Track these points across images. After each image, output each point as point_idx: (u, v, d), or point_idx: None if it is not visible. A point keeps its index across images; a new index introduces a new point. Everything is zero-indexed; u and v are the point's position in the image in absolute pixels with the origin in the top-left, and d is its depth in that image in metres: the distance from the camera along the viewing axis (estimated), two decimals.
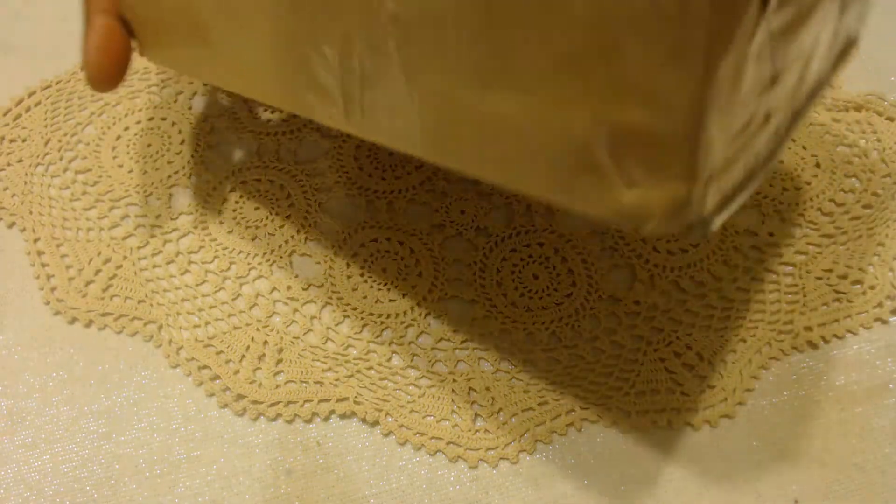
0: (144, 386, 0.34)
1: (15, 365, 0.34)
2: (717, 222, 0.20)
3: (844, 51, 0.25)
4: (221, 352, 0.34)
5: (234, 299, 0.35)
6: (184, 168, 0.38)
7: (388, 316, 0.35)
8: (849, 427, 0.32)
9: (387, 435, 0.33)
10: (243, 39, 0.25)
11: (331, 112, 0.25)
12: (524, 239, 0.36)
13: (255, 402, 0.33)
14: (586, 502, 0.32)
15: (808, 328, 0.34)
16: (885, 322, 0.34)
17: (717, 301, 0.35)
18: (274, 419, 0.33)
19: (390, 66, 0.21)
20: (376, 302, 0.35)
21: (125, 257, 0.35)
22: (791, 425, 0.33)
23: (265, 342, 0.34)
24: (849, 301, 0.35)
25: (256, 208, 0.37)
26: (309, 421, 0.33)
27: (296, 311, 0.35)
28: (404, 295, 0.35)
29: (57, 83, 0.40)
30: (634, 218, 0.19)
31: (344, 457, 0.32)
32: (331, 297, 0.35)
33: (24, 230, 0.37)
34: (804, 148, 0.38)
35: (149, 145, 0.38)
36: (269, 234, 0.36)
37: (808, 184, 0.37)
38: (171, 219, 0.37)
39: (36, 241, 0.36)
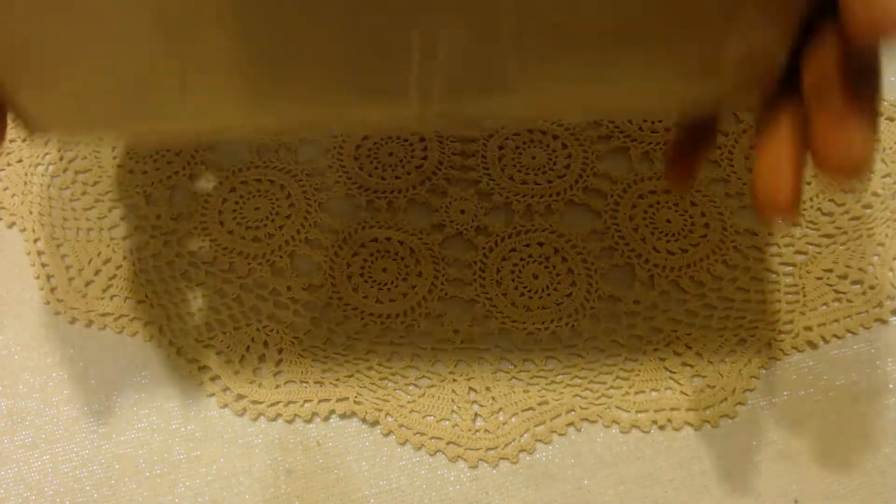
0: (144, 386, 0.34)
1: (15, 365, 0.34)
2: None
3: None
4: (221, 352, 0.34)
5: (234, 299, 0.35)
6: (184, 168, 0.38)
7: (388, 316, 0.35)
8: (849, 427, 0.32)
9: (387, 435, 0.33)
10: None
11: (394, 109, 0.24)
12: (524, 239, 0.36)
13: (255, 402, 0.33)
14: (586, 502, 0.32)
15: (808, 328, 0.34)
16: (885, 322, 0.34)
17: (717, 301, 0.35)
18: (274, 419, 0.33)
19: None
20: (376, 302, 0.35)
21: (125, 257, 0.36)
22: (791, 425, 0.33)
23: (265, 342, 0.34)
24: (849, 301, 0.35)
25: (256, 208, 0.37)
26: (309, 421, 0.33)
27: (296, 311, 0.35)
28: (404, 295, 0.35)
29: None
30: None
31: (344, 457, 0.32)
32: (331, 297, 0.35)
33: (24, 230, 0.37)
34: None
35: None
36: (268, 234, 0.36)
37: (808, 184, 0.37)
38: (171, 219, 0.37)
39: (36, 241, 0.36)
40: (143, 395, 0.33)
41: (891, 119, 0.39)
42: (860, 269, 0.35)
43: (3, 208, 0.37)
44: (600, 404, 0.33)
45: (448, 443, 0.33)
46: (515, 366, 0.34)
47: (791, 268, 0.35)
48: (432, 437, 0.33)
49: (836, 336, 0.34)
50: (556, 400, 0.33)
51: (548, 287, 0.35)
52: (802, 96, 0.21)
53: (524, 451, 0.32)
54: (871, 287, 0.35)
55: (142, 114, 0.25)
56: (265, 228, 0.36)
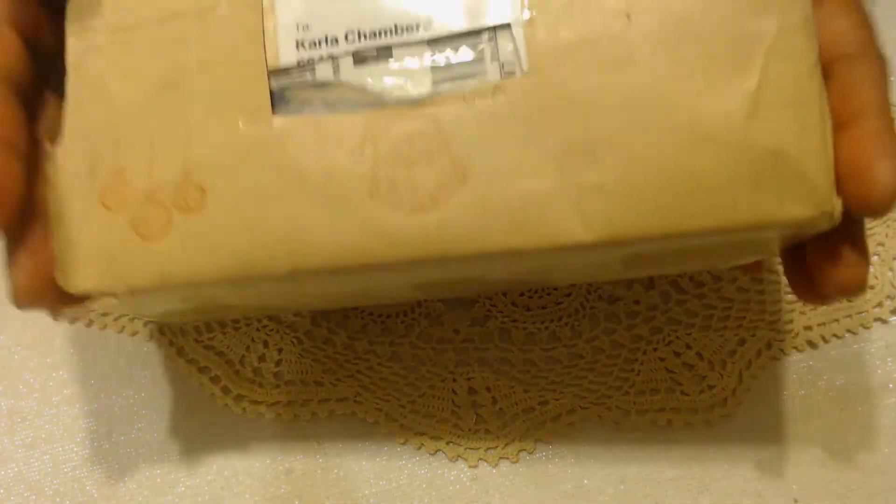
0: (144, 386, 0.34)
1: (15, 365, 0.34)
2: None
3: None
4: (221, 352, 0.34)
5: None
6: None
7: (389, 316, 0.35)
8: (849, 427, 0.32)
9: (387, 435, 0.33)
10: None
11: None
12: None
13: (254, 402, 0.33)
14: (586, 502, 0.32)
15: (808, 328, 0.34)
16: (885, 322, 0.34)
17: (717, 301, 0.34)
18: (274, 419, 0.33)
19: None
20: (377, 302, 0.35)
21: None
22: (791, 425, 0.33)
23: (265, 342, 0.34)
24: (849, 301, 0.35)
25: None
26: (309, 421, 0.33)
27: (296, 311, 0.35)
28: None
29: None
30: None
31: (344, 457, 0.32)
32: None
33: None
34: None
35: None
36: None
37: None
38: None
39: None
40: (143, 395, 0.33)
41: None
42: None
43: None
44: (600, 404, 0.33)
45: (448, 443, 0.33)
46: (515, 366, 0.34)
47: None
48: (432, 438, 0.33)
49: (836, 336, 0.34)
50: (556, 400, 0.33)
51: (548, 287, 0.35)
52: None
53: (524, 450, 0.32)
54: (871, 287, 0.35)
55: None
56: None
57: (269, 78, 0.24)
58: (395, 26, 0.23)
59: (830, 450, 0.32)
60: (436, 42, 0.23)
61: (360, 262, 0.23)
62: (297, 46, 0.24)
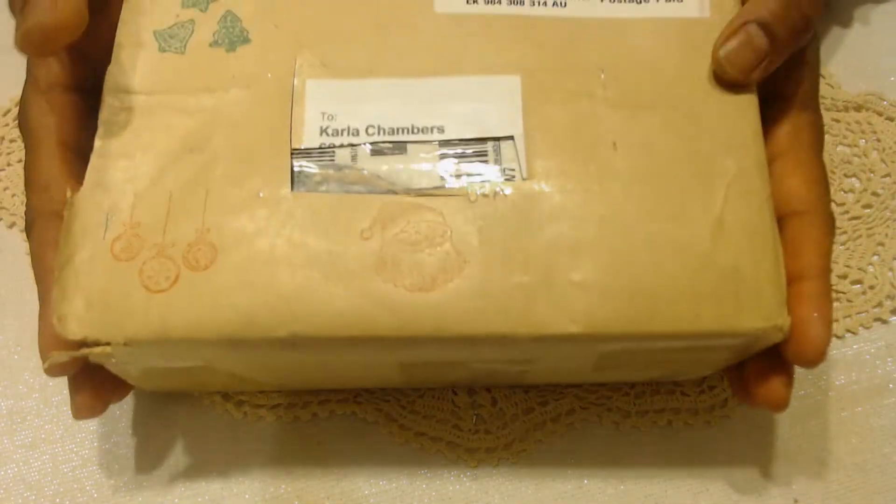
0: None
1: (15, 365, 0.33)
2: None
3: None
4: None
5: None
6: None
7: None
8: (849, 427, 0.32)
9: (387, 435, 0.33)
10: None
11: None
12: None
13: (255, 406, 0.33)
14: (586, 502, 0.31)
15: None
16: (885, 322, 0.34)
17: None
18: (274, 420, 0.33)
19: None
20: None
21: None
22: (791, 425, 0.32)
23: None
24: (849, 301, 0.34)
25: None
26: (309, 421, 0.33)
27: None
28: None
29: None
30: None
31: (344, 457, 0.32)
32: None
33: (24, 230, 0.37)
34: None
35: None
36: None
37: None
38: None
39: None
40: (143, 395, 0.33)
41: (890, 119, 0.38)
42: (860, 269, 0.35)
43: (4, 208, 0.37)
44: (600, 405, 0.33)
45: (448, 443, 0.33)
46: None
47: None
48: (432, 437, 0.33)
49: (836, 336, 0.34)
50: (556, 400, 0.33)
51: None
52: None
53: (524, 451, 0.32)
54: (871, 287, 0.35)
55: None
56: None
57: (291, 155, 0.26)
58: (413, 126, 0.26)
59: (830, 450, 0.32)
60: (447, 143, 0.26)
61: (360, 333, 0.24)
62: (321, 132, 0.26)
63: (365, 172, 0.25)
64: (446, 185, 0.25)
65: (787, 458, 0.32)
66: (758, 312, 0.24)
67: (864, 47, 0.42)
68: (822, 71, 0.39)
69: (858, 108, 0.39)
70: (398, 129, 0.26)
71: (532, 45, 0.27)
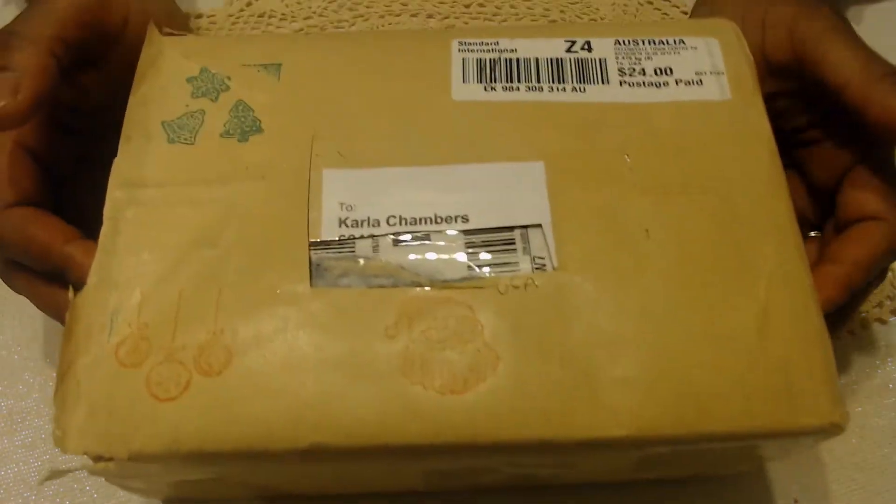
0: None
1: (15, 365, 0.32)
2: None
3: None
4: None
5: None
6: None
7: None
8: (849, 427, 0.32)
9: None
10: None
11: None
12: None
13: None
14: (586, 502, 0.31)
15: None
16: (884, 322, 0.34)
17: None
18: None
19: None
20: None
21: None
22: None
23: None
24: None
25: None
26: None
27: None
28: None
29: None
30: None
31: None
32: None
33: None
34: None
35: None
36: None
37: None
38: None
39: None
40: None
41: None
42: None
43: None
44: None
45: None
46: None
47: None
48: None
49: (836, 336, 0.34)
50: None
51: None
52: None
53: None
54: None
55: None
56: None
57: (309, 248, 0.24)
58: (435, 216, 0.24)
59: (830, 450, 0.31)
60: (472, 232, 0.24)
61: (388, 441, 0.22)
62: (340, 223, 0.24)
63: (388, 264, 0.23)
64: (474, 276, 0.23)
65: (788, 458, 0.31)
66: (814, 409, 0.22)
67: None
68: None
69: None
70: (420, 219, 0.24)
71: (553, 130, 0.25)
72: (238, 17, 0.41)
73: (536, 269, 0.23)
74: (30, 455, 0.31)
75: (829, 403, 0.22)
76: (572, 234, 0.24)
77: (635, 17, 0.41)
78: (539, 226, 0.24)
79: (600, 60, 0.27)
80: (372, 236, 0.24)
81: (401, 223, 0.24)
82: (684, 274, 0.23)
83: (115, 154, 0.25)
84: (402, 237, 0.24)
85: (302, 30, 0.41)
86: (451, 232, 0.24)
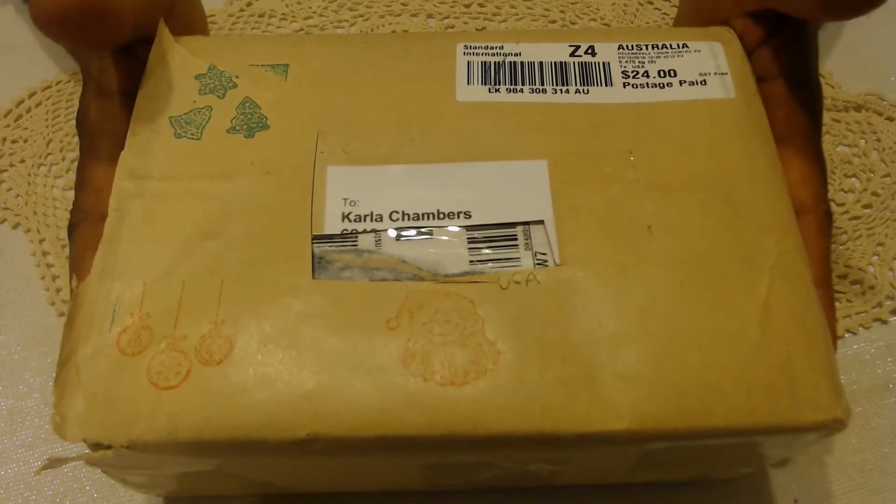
0: None
1: (15, 365, 0.32)
2: None
3: None
4: None
5: None
6: None
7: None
8: (849, 427, 0.32)
9: None
10: None
11: None
12: None
13: None
14: (586, 502, 0.31)
15: None
16: (884, 322, 0.34)
17: None
18: None
19: None
20: None
21: None
22: None
23: None
24: (848, 301, 0.34)
25: None
26: None
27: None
28: None
29: (57, 83, 0.38)
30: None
31: None
32: None
33: (28, 231, 0.35)
34: None
35: None
36: None
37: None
38: None
39: (41, 241, 0.35)
40: None
41: (890, 119, 0.38)
42: (860, 269, 0.34)
43: (7, 209, 0.35)
44: None
45: None
46: None
47: None
48: None
49: (836, 336, 0.34)
50: None
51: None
52: None
53: None
54: (871, 287, 0.34)
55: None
56: None
57: (312, 241, 0.24)
58: (438, 211, 0.24)
59: (830, 450, 0.31)
60: (475, 228, 0.24)
61: (388, 432, 0.21)
62: (343, 218, 0.24)
63: (390, 258, 0.24)
64: (475, 271, 0.23)
65: (787, 458, 0.31)
66: (816, 404, 0.22)
67: (864, 47, 0.41)
68: (822, 71, 0.39)
69: (858, 108, 0.39)
70: (423, 215, 0.24)
71: (557, 131, 0.26)
72: (238, 17, 0.41)
73: (538, 264, 0.24)
74: (30, 455, 0.31)
75: (831, 398, 0.22)
76: (574, 231, 0.24)
77: (635, 17, 0.41)
78: (541, 222, 0.24)
79: (604, 64, 0.28)
80: (374, 231, 0.24)
81: (403, 218, 0.24)
82: (686, 270, 0.23)
83: None
84: (404, 232, 0.24)
85: (302, 30, 0.41)
86: (454, 228, 0.24)
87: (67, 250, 0.34)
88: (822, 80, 0.31)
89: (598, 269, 0.23)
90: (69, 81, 0.39)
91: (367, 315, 0.23)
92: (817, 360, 0.22)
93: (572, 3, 0.41)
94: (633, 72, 0.27)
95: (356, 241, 0.24)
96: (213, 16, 0.41)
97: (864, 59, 0.40)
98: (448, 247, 0.24)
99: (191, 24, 0.31)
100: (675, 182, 0.25)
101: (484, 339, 0.23)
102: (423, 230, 0.24)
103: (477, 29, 0.41)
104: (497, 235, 0.24)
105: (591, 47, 0.28)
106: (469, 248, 0.24)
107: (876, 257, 0.34)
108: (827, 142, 0.37)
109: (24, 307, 0.34)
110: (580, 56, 0.28)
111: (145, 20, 0.26)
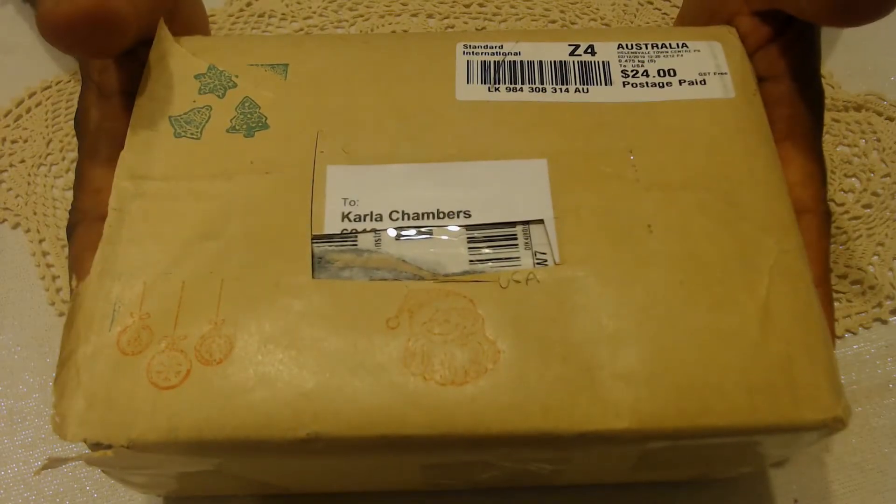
0: None
1: (15, 365, 0.32)
2: None
3: None
4: None
5: None
6: None
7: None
8: (849, 427, 0.32)
9: None
10: None
11: None
12: None
13: None
14: (587, 503, 0.31)
15: None
16: (884, 322, 0.34)
17: None
18: None
19: None
20: None
21: None
22: None
23: None
24: (848, 301, 0.34)
25: None
26: None
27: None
28: None
29: (57, 83, 0.38)
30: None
31: None
32: None
33: (28, 231, 0.35)
34: None
35: None
36: None
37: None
38: None
39: (41, 241, 0.35)
40: None
41: (890, 119, 0.38)
42: (860, 269, 0.34)
43: (7, 209, 0.35)
44: None
45: None
46: None
47: None
48: None
49: (836, 336, 0.34)
50: None
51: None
52: None
53: None
54: (871, 287, 0.34)
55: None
56: None
57: (311, 241, 0.24)
58: (438, 211, 0.24)
59: (830, 450, 0.31)
60: (474, 227, 0.24)
61: (388, 432, 0.21)
62: (343, 218, 0.24)
63: (390, 257, 0.24)
64: (475, 271, 0.23)
65: (787, 458, 0.31)
66: (816, 403, 0.22)
67: (864, 47, 0.41)
68: (823, 71, 0.39)
69: (858, 108, 0.39)
70: (423, 214, 0.24)
71: (557, 130, 0.26)
72: (238, 17, 0.41)
73: (538, 264, 0.24)
74: (30, 455, 0.31)
75: (831, 398, 0.22)
76: (574, 230, 0.24)
77: (635, 16, 0.41)
78: (541, 221, 0.24)
79: (604, 63, 0.28)
80: (374, 230, 0.24)
81: (403, 218, 0.24)
82: (686, 269, 0.23)
83: None
84: (404, 231, 0.24)
85: (302, 30, 0.41)
86: (453, 227, 0.24)
87: (67, 250, 0.34)
88: (822, 79, 0.31)
89: (597, 269, 0.23)
90: (69, 81, 0.39)
91: (367, 315, 0.23)
92: (817, 360, 0.22)
93: (572, 3, 0.41)
94: (632, 71, 0.27)
95: (356, 240, 0.24)
96: (213, 16, 0.41)
97: (864, 59, 0.40)
98: (448, 246, 0.24)
99: (192, 24, 0.31)
100: (675, 181, 0.25)
101: (484, 339, 0.23)
102: (422, 230, 0.24)
103: (477, 29, 0.41)
104: (497, 235, 0.24)
105: (591, 47, 0.28)
106: (469, 248, 0.24)
107: (876, 257, 0.34)
108: (827, 142, 0.37)
109: (24, 307, 0.34)
110: (580, 55, 0.28)
111: (148, 23, 0.26)
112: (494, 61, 0.27)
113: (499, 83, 0.27)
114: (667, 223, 0.24)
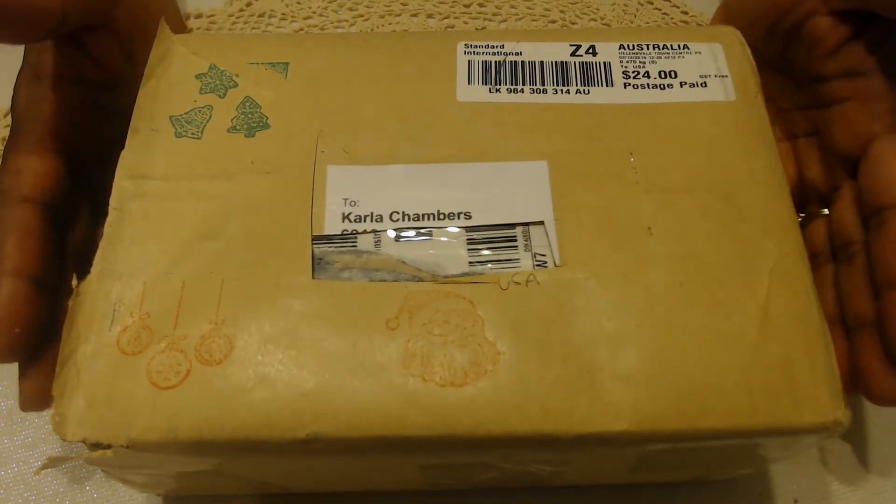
0: None
1: (15, 365, 0.32)
2: None
3: None
4: None
5: None
6: None
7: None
8: (849, 427, 0.32)
9: None
10: None
11: None
12: None
13: None
14: (586, 502, 0.31)
15: None
16: None
17: None
18: None
19: None
20: None
21: None
22: None
23: None
24: None
25: None
26: None
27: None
28: None
29: None
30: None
31: None
32: None
33: None
34: None
35: None
36: None
37: None
38: None
39: None
40: None
41: None
42: None
43: None
44: None
45: None
46: None
47: None
48: None
49: None
50: None
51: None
52: None
53: None
54: None
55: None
56: None
57: (311, 242, 0.24)
58: (438, 212, 0.24)
59: (830, 450, 0.31)
60: (474, 229, 0.24)
61: (387, 433, 0.21)
62: (343, 218, 0.24)
63: (389, 258, 0.24)
64: (475, 272, 0.23)
65: (788, 458, 0.31)
66: (816, 406, 0.22)
67: None
68: None
69: None
70: (423, 215, 0.24)
71: (557, 131, 0.26)
72: (238, 17, 0.41)
73: (538, 265, 0.24)
74: (30, 455, 0.30)
75: (831, 400, 0.22)
76: (574, 232, 0.24)
77: (635, 17, 0.41)
78: (541, 223, 0.24)
79: (604, 64, 0.28)
80: (374, 231, 0.24)
81: (403, 219, 0.24)
82: (686, 271, 0.23)
83: None
84: (404, 233, 0.24)
85: (302, 29, 0.41)
86: (453, 228, 0.24)
87: None
88: None
89: (597, 270, 0.23)
90: None
91: (366, 315, 0.23)
92: (817, 362, 0.22)
93: (572, 3, 0.41)
94: (633, 72, 0.27)
95: (356, 241, 0.24)
96: (213, 16, 0.41)
97: None
98: (447, 248, 0.24)
99: (146, 11, 0.29)
100: (676, 183, 0.25)
101: (483, 340, 0.23)
102: (422, 231, 0.24)
103: (477, 29, 0.41)
104: (497, 236, 0.24)
105: (592, 47, 0.28)
106: (469, 249, 0.24)
107: None
108: None
109: None
110: (581, 56, 0.28)
111: (82, 9, 0.25)
112: (496, 61, 0.27)
113: (500, 84, 0.27)
114: (667, 225, 0.24)
